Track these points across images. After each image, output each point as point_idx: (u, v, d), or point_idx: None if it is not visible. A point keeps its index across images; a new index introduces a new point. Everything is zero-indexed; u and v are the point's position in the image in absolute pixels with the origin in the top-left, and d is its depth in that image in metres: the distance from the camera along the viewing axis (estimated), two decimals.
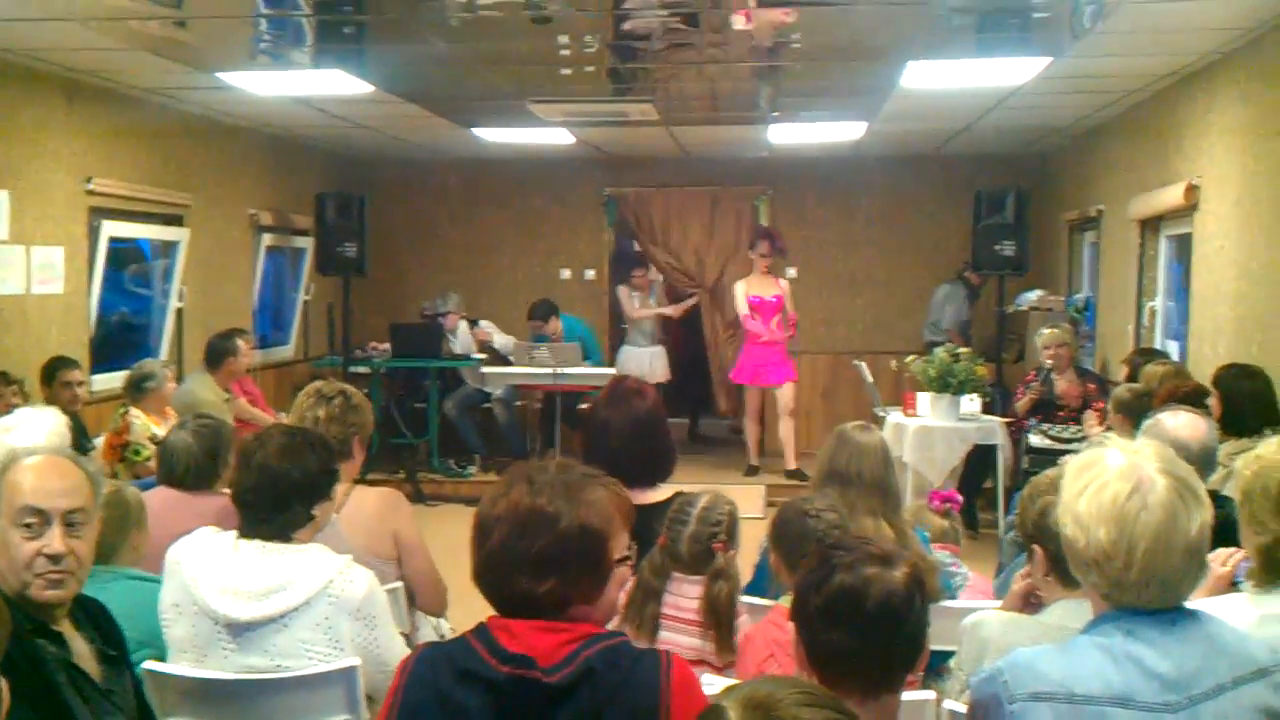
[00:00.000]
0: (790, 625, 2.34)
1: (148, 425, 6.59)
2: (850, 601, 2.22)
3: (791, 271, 11.39)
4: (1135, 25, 5.88)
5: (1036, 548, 2.89)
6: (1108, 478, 2.12)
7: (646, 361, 10.96)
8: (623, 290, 11.32)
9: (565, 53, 6.74)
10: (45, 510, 2.59)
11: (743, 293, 10.16)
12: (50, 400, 6.29)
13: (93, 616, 2.74)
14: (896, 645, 2.24)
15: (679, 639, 3.27)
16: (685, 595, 3.31)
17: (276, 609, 2.93)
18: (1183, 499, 2.09)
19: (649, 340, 11.30)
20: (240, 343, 7.93)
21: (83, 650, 2.64)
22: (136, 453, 6.47)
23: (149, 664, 2.98)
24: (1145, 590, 2.10)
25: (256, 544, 3.02)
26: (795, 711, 1.58)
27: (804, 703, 1.61)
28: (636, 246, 12.12)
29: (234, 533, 3.08)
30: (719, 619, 3.26)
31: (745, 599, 3.46)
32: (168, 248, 8.69)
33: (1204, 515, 2.11)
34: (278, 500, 3.05)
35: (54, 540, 2.57)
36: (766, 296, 10.08)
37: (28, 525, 2.58)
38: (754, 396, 10.31)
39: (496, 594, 2.24)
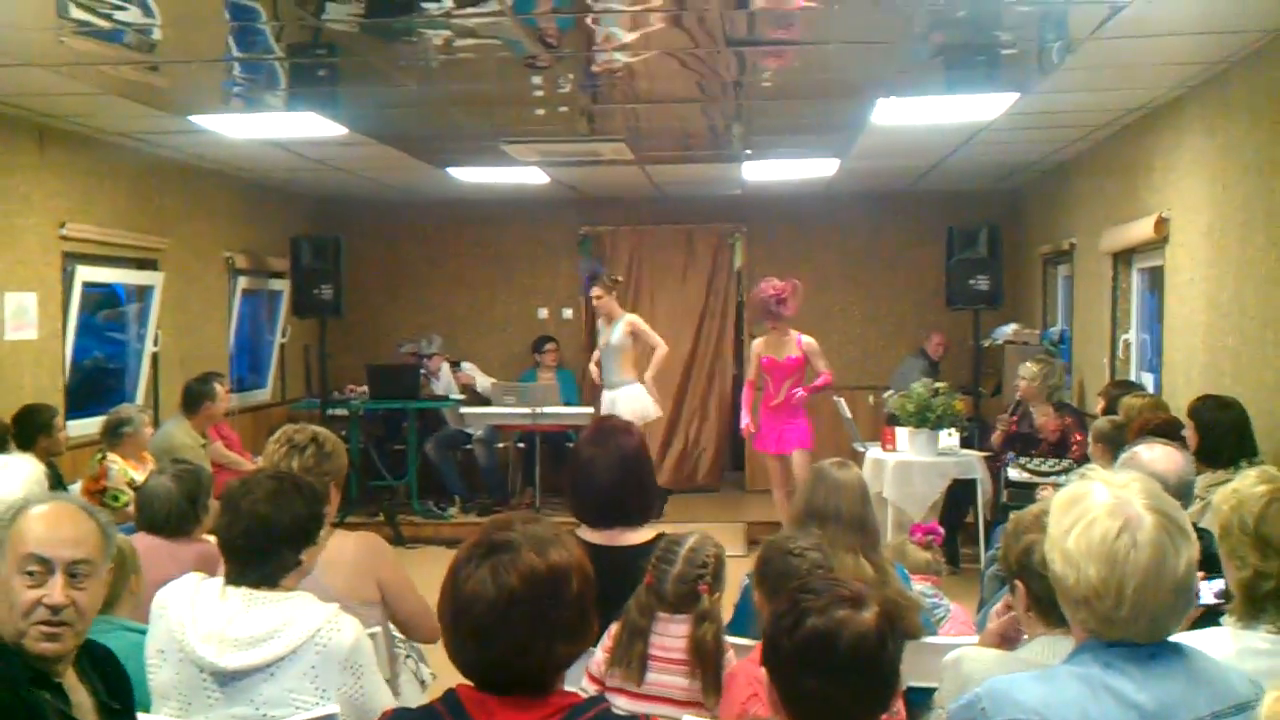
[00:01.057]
0: (762, 670, 2.33)
1: (125, 470, 6.56)
2: (822, 646, 2.22)
3: None
4: (1102, 61, 5.95)
5: (1019, 583, 2.89)
6: (1096, 514, 2.12)
7: (619, 404, 9.47)
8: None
9: (539, 93, 6.77)
10: (49, 559, 2.55)
11: (756, 353, 9.09)
12: (45, 449, 6.24)
13: (99, 665, 2.70)
14: (870, 687, 2.25)
15: (668, 679, 3.26)
16: (671, 635, 3.30)
17: (263, 658, 2.90)
18: (1170, 536, 2.10)
19: (617, 378, 9.81)
20: (218, 387, 7.91)
21: (84, 702, 2.60)
22: (115, 498, 6.43)
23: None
24: (1134, 626, 2.10)
25: (244, 591, 2.99)
26: None
27: None
28: (600, 265, 11.24)
29: (220, 579, 3.05)
30: (706, 660, 3.25)
31: (729, 638, 3.45)
32: (142, 292, 8.67)
33: (1190, 551, 2.12)
34: (266, 546, 3.02)
35: (55, 590, 2.53)
36: (779, 358, 8.90)
37: (30, 573, 2.54)
38: (774, 465, 9.03)
39: (500, 671, 2.11)
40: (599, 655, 3.36)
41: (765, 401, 8.99)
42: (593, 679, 3.35)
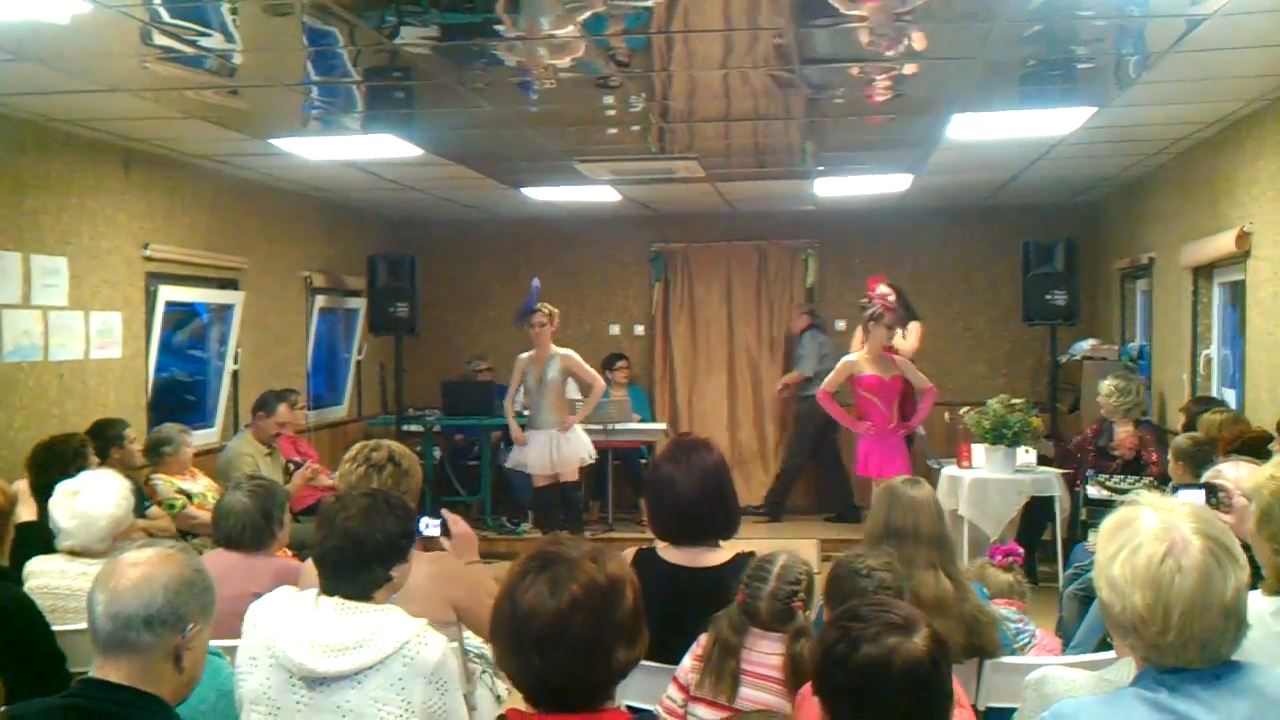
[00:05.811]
0: (815, 700, 2.32)
1: (171, 482, 6.85)
2: (876, 675, 2.22)
3: (840, 324, 11.36)
4: (1180, 75, 5.86)
5: None
6: (1142, 539, 2.10)
7: (565, 448, 9.03)
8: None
9: (611, 112, 6.81)
10: None
11: (847, 371, 8.39)
12: (119, 461, 6.37)
13: None
14: (924, 712, 2.25)
15: (762, 696, 3.25)
16: (762, 651, 3.28)
17: (353, 665, 2.94)
18: (1218, 560, 2.07)
19: (553, 417, 9.11)
20: (278, 403, 8.03)
21: None
22: (170, 506, 6.73)
23: None
24: (1184, 652, 2.08)
25: (336, 601, 3.05)
26: None
27: None
28: (535, 281, 9.40)
29: (314, 590, 3.11)
30: (802, 677, 3.23)
31: None
32: (223, 310, 8.82)
33: (1239, 576, 2.09)
34: (358, 562, 3.08)
35: None
36: (885, 377, 8.28)
37: None
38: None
39: (561, 680, 2.13)
40: (688, 663, 3.35)
41: (880, 425, 8.33)
42: (679, 686, 3.35)
